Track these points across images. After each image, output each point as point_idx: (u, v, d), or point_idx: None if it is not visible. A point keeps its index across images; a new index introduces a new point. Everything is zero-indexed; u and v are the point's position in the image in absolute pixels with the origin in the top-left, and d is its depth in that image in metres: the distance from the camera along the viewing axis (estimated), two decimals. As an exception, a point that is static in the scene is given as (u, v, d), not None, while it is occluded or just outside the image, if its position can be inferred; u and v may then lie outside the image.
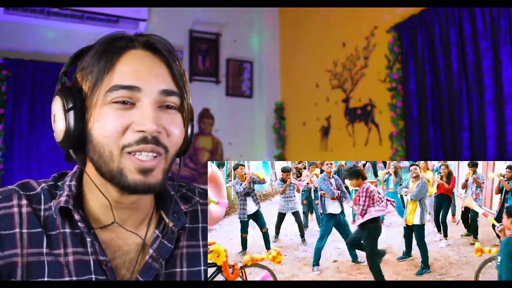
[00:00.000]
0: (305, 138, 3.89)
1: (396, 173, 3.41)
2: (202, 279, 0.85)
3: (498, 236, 1.81)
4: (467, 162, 2.95)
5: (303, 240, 3.08)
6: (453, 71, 2.43)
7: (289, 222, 3.18)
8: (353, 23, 3.33)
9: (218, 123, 4.07)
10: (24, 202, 0.77)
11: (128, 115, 0.73)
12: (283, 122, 4.15)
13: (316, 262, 2.49)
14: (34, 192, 0.80)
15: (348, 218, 2.76)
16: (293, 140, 4.09)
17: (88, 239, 0.76)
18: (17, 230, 0.75)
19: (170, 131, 0.76)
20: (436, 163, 3.40)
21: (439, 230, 2.99)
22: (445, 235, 2.91)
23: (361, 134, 3.25)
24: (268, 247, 2.83)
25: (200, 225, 0.89)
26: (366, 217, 2.17)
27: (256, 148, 4.22)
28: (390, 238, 2.94)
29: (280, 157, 4.09)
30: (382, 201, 2.21)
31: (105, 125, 0.72)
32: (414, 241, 2.49)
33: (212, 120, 4.05)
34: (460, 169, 3.97)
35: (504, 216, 1.67)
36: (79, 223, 0.76)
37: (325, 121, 3.64)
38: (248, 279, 1.90)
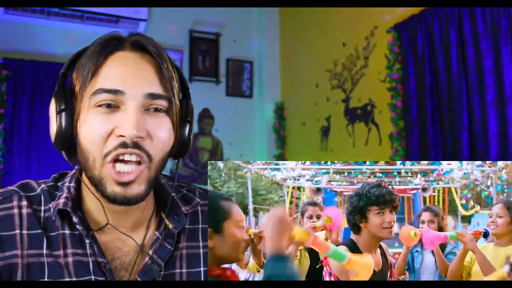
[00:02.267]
0: (305, 138, 3.89)
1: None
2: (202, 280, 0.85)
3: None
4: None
5: None
6: (453, 71, 2.43)
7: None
8: (353, 23, 3.32)
9: (218, 123, 4.07)
10: (24, 203, 0.77)
11: (112, 120, 0.72)
12: (283, 122, 4.15)
13: None
14: (34, 193, 0.79)
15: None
16: (293, 140, 4.09)
17: (87, 241, 0.76)
18: (17, 231, 0.75)
19: (155, 135, 0.74)
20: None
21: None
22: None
23: (361, 134, 3.25)
24: None
25: (200, 226, 0.89)
26: None
27: (256, 148, 4.21)
28: None
29: (280, 157, 4.09)
30: None
31: (90, 129, 0.72)
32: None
33: (212, 120, 4.05)
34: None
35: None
36: (77, 226, 0.76)
37: (325, 121, 3.64)
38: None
